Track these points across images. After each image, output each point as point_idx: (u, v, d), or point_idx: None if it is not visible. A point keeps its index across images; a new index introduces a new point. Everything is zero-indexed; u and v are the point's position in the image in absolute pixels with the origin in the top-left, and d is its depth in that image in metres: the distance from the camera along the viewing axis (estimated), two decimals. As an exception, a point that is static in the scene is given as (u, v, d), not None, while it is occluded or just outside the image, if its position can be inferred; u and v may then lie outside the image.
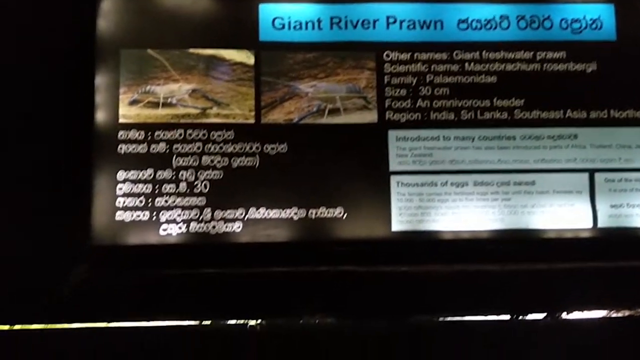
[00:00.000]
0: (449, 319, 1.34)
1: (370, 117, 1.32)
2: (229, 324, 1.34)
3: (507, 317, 1.36)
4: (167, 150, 1.28)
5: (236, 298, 1.30)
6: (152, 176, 1.27)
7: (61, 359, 1.27)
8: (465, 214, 1.30)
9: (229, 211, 1.27)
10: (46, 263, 1.26)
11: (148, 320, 1.30)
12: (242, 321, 1.33)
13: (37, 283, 1.26)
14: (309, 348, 1.32)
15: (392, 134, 1.31)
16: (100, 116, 1.28)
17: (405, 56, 1.34)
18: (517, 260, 1.30)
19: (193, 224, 1.27)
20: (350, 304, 1.32)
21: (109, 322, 1.30)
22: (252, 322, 1.32)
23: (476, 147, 1.32)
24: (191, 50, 1.31)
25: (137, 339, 1.28)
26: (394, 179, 1.30)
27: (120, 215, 1.25)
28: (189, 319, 1.32)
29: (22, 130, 1.30)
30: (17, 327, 1.33)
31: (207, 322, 1.35)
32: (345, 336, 1.32)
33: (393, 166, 1.30)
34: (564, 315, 1.37)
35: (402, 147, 1.31)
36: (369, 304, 1.32)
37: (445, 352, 1.33)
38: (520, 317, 1.36)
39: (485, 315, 1.34)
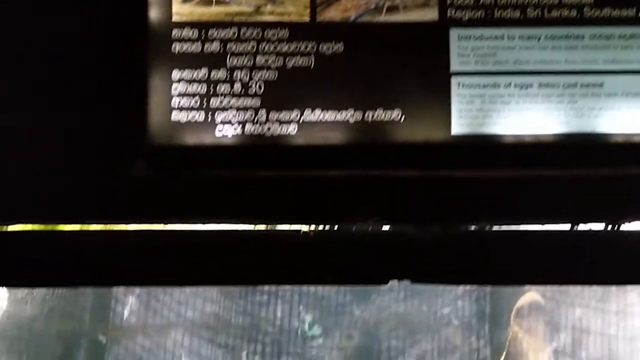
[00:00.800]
0: (505, 227, 1.33)
1: (430, 14, 1.26)
2: (282, 230, 1.34)
3: (566, 226, 1.33)
4: (221, 50, 1.25)
5: (290, 203, 1.29)
6: (206, 76, 1.25)
7: (115, 260, 1.30)
8: (528, 117, 1.26)
9: (283, 113, 1.25)
10: (103, 163, 1.26)
11: (201, 223, 1.31)
12: (295, 227, 1.33)
13: (94, 183, 1.27)
14: (363, 255, 1.32)
15: (454, 33, 1.26)
16: (154, 14, 1.25)
17: (468, -50, 1.27)
18: (582, 166, 1.27)
19: (248, 126, 1.25)
20: (406, 210, 1.30)
21: (165, 224, 1.32)
22: (305, 228, 1.32)
23: (542, 47, 1.26)
24: (244, -54, 1.27)
25: (189, 242, 1.30)
26: (454, 80, 1.25)
27: (175, 116, 1.24)
28: (242, 223, 1.32)
29: (76, 31, 1.28)
30: (71, 227, 1.35)
31: (260, 227, 1.35)
32: (399, 243, 1.32)
33: (454, 67, 1.25)
34: (628, 226, 1.34)
35: (464, 47, 1.26)
36: (425, 210, 1.30)
37: (500, 262, 1.32)
38: (581, 227, 1.33)
39: (545, 223, 1.31)
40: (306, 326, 3.77)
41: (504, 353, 3.32)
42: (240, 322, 3.71)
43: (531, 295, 3.15)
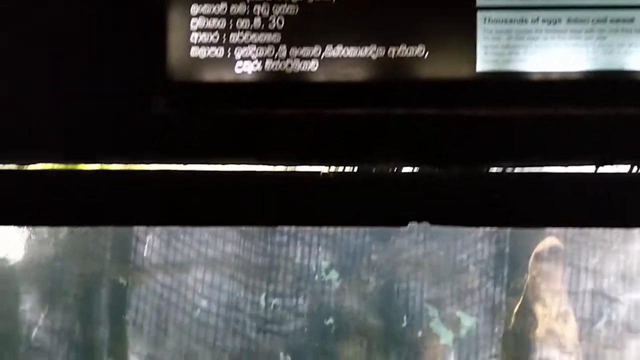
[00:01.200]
0: (528, 169, 1.31)
1: (456, -54, 1.22)
2: (302, 171, 1.33)
3: (591, 168, 1.31)
4: (241, -18, 1.22)
5: (310, 143, 1.28)
6: (225, 10, 1.22)
7: (135, 200, 1.30)
8: (556, 54, 1.22)
9: (304, 49, 1.22)
10: (122, 101, 1.25)
11: (220, 163, 1.30)
12: (315, 168, 1.32)
13: (112, 121, 1.27)
14: (382, 196, 1.31)
15: (480, -34, 1.22)
16: (172, -53, 1.23)
17: None
18: (609, 105, 1.23)
19: (268, 62, 1.23)
20: (427, 151, 1.29)
21: (184, 164, 1.31)
22: (325, 169, 1.31)
23: (571, -20, 1.22)
24: None
25: (209, 182, 1.29)
26: (480, 15, 1.21)
27: (195, 52, 1.22)
28: (261, 164, 1.31)
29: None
30: (90, 167, 1.35)
31: (280, 168, 1.34)
32: (419, 184, 1.30)
33: (480, 1, 1.21)
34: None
35: (490, -20, 1.22)
36: (447, 151, 1.28)
37: (522, 203, 1.30)
38: (606, 168, 1.31)
39: (569, 165, 1.29)
40: (323, 271, 3.80)
41: (521, 297, 3.33)
42: (260, 262, 3.74)
43: (550, 240, 3.15)
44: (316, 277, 3.79)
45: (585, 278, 3.51)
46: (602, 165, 1.30)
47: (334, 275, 3.80)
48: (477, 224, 1.39)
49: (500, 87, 1.23)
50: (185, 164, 1.31)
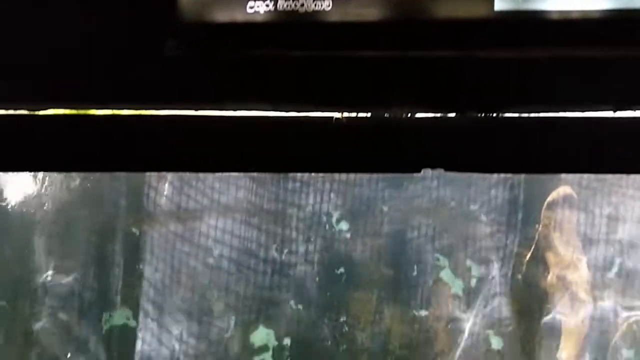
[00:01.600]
0: (544, 114, 1.28)
1: None
2: (314, 116, 1.32)
3: (609, 112, 1.28)
4: None
5: (322, 86, 1.26)
6: (236, -52, 1.20)
7: (147, 145, 1.29)
8: (577, -9, 1.19)
9: (317, -13, 1.20)
10: (131, 44, 1.24)
11: (232, 109, 1.29)
12: (327, 113, 1.30)
13: (123, 65, 1.25)
14: (396, 142, 1.29)
15: None
16: None
17: None
18: (632, 45, 1.20)
19: (280, 1, 1.20)
20: (442, 94, 1.26)
21: (195, 109, 1.30)
22: (338, 115, 1.29)
23: None
24: None
25: (220, 127, 1.28)
26: (499, -50, 1.18)
27: (205, -9, 1.20)
28: (273, 109, 1.29)
29: None
30: (102, 112, 1.34)
31: (292, 114, 1.32)
32: (433, 130, 1.29)
33: (498, -62, 1.18)
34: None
35: None
36: (462, 94, 1.26)
37: (537, 149, 1.28)
38: (624, 113, 1.28)
39: (587, 110, 1.27)
40: (334, 221, 3.81)
41: (532, 246, 3.33)
42: (272, 208, 3.75)
43: (564, 189, 3.13)
44: (327, 226, 3.80)
45: (599, 225, 3.50)
46: (621, 110, 1.27)
47: (344, 225, 3.81)
48: (492, 171, 1.38)
49: (519, 26, 1.19)
50: (196, 109, 1.29)
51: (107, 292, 3.63)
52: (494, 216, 3.76)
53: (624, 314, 3.32)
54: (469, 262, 3.77)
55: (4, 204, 3.48)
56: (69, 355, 3.41)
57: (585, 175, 3.21)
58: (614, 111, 1.28)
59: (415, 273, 3.79)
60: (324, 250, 3.81)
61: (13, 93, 1.28)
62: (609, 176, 3.24)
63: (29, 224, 3.57)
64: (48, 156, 1.31)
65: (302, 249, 3.82)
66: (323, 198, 3.87)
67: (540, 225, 3.16)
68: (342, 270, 3.81)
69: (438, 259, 3.78)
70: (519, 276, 3.56)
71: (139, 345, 3.58)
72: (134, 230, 3.70)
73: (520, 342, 3.61)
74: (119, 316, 3.65)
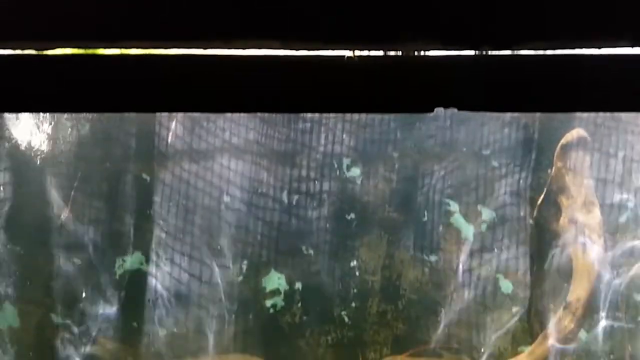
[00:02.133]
0: (559, 52, 1.26)
1: None
2: (326, 55, 1.30)
3: (625, 49, 1.25)
4: None
5: (334, 23, 1.24)
6: None
7: (156, 85, 1.28)
8: None
9: None
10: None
11: (242, 48, 1.26)
12: (338, 52, 1.28)
13: (129, 4, 1.23)
14: (408, 81, 1.27)
15: None
16: None
17: None
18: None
19: None
20: (457, 32, 1.24)
21: (204, 48, 1.28)
22: (350, 53, 1.27)
23: None
24: None
25: (231, 66, 1.26)
26: None
27: None
28: (284, 48, 1.27)
29: None
30: (110, 52, 1.32)
31: (303, 52, 1.30)
32: (445, 69, 1.26)
33: None
34: None
35: None
36: (478, 31, 1.23)
37: (552, 87, 1.26)
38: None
39: (603, 46, 1.24)
40: (345, 167, 3.80)
41: (545, 188, 3.31)
42: (283, 149, 3.73)
43: (577, 131, 3.10)
44: (338, 172, 3.79)
45: (614, 165, 3.46)
46: (638, 46, 1.25)
47: (355, 171, 3.80)
48: (506, 110, 1.35)
49: (536, -41, 1.17)
50: (205, 47, 1.27)
51: (120, 236, 3.65)
52: (507, 160, 3.73)
53: (636, 257, 3.32)
54: (479, 207, 3.76)
55: (13, 143, 3.45)
56: (84, 294, 3.45)
57: (601, 114, 3.16)
58: (632, 47, 1.25)
59: (425, 218, 3.79)
60: (334, 197, 3.80)
61: (20, 33, 1.26)
62: (625, 115, 3.20)
63: (40, 167, 3.56)
64: (55, 97, 1.30)
65: (313, 196, 3.81)
66: (335, 139, 3.81)
67: (554, 168, 3.13)
68: (352, 216, 3.82)
69: (449, 204, 3.78)
70: (531, 220, 3.56)
71: (148, 284, 3.61)
72: (144, 176, 3.71)
73: (530, 286, 3.62)
74: (134, 260, 3.68)
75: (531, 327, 3.54)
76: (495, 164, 3.76)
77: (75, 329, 3.46)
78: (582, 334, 3.36)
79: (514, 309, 3.71)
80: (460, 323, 3.70)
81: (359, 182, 3.82)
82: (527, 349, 3.03)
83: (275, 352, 3.66)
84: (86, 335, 3.48)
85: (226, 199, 3.76)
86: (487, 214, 3.78)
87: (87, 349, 3.47)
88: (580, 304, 2.86)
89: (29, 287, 3.56)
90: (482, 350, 3.57)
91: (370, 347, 3.78)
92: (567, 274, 3.03)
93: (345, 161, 3.81)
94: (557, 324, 2.90)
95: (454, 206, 3.81)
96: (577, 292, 2.85)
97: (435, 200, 3.81)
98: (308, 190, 3.81)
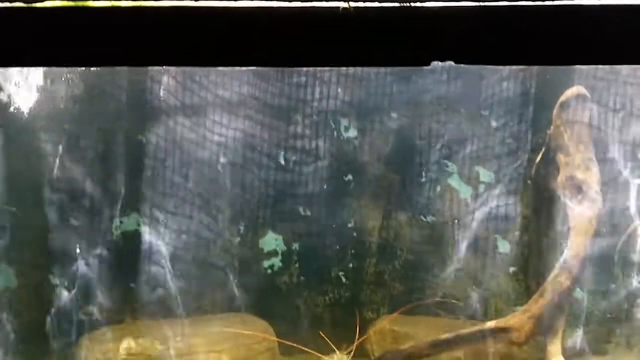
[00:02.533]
0: (556, 2, 1.23)
1: None
2: (320, 6, 1.26)
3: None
4: None
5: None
6: None
7: (147, 39, 1.25)
8: None
9: None
10: None
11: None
12: (333, 3, 1.25)
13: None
14: (405, 34, 1.24)
15: None
16: None
17: None
18: None
19: None
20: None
21: (196, 0, 1.25)
22: (345, 4, 1.24)
23: None
24: None
25: (223, 19, 1.24)
26: None
27: None
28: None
29: None
30: (101, 4, 1.29)
31: (296, 4, 1.27)
32: (442, 21, 1.24)
33: None
34: None
35: None
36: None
37: (551, 39, 1.24)
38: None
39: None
40: (342, 128, 3.76)
41: (544, 147, 3.29)
42: (277, 103, 3.68)
43: (577, 88, 3.07)
44: (335, 134, 3.76)
45: (612, 118, 3.44)
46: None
47: (353, 132, 3.77)
48: (504, 62, 1.33)
49: None
50: (198, -1, 1.25)
51: (114, 196, 3.63)
52: (505, 119, 3.71)
53: (634, 215, 3.32)
54: (477, 168, 3.75)
55: (5, 100, 3.41)
56: (77, 250, 3.45)
57: (600, 67, 3.13)
58: (633, -4, 1.22)
59: (423, 179, 3.78)
60: (331, 159, 3.78)
61: (7, -16, 1.23)
62: (625, 67, 3.17)
63: (30, 120, 3.51)
64: (45, 50, 1.27)
65: (309, 157, 3.78)
66: (330, 93, 3.76)
67: (552, 126, 3.11)
68: (350, 177, 3.81)
69: (447, 165, 3.76)
70: (529, 181, 3.55)
71: (145, 245, 3.61)
72: (139, 137, 3.67)
73: (527, 245, 3.63)
74: (130, 222, 3.68)
75: (528, 286, 3.55)
76: (493, 124, 3.73)
77: (72, 290, 3.47)
78: (578, 292, 3.38)
79: (512, 269, 3.73)
80: (457, 283, 3.72)
81: (356, 142, 3.79)
82: (523, 307, 3.04)
83: (273, 312, 3.68)
84: (83, 295, 3.49)
85: (222, 159, 3.73)
86: (484, 175, 3.77)
87: (85, 309, 3.48)
88: (576, 261, 2.86)
89: (24, 247, 3.56)
90: (479, 308, 3.59)
91: (367, 307, 3.80)
92: (564, 232, 3.03)
93: (343, 122, 3.77)
94: (552, 281, 2.91)
95: (452, 167, 3.79)
96: (574, 249, 2.85)
97: (433, 160, 3.79)
98: (304, 148, 3.79)
